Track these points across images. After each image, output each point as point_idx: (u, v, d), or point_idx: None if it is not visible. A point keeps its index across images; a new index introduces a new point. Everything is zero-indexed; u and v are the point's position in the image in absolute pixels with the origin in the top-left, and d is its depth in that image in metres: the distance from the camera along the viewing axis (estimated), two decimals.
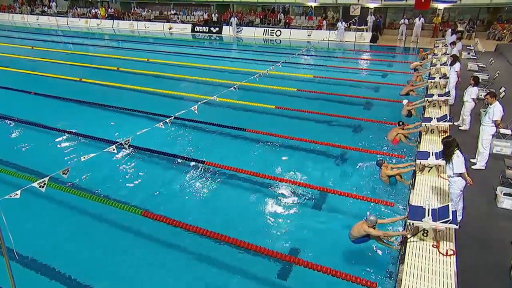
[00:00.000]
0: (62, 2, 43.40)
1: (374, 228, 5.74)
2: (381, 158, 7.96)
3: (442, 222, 5.40)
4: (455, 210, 5.73)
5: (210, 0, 34.68)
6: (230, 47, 28.23)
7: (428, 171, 7.63)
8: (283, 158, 9.78)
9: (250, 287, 5.80)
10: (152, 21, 35.92)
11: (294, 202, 7.89)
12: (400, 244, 5.93)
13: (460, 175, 5.90)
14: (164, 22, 34.93)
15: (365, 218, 5.85)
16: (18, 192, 4.93)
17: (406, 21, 25.78)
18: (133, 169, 9.30)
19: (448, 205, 5.69)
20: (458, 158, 5.85)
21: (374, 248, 6.34)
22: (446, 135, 6.26)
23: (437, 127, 9.42)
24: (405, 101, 11.39)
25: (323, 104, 13.70)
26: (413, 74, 14.66)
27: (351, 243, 6.10)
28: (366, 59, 22.75)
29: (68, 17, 39.41)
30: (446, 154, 5.99)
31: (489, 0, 25.08)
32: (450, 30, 21.56)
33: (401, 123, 9.67)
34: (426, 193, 7.05)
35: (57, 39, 30.10)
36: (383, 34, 28.95)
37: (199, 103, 9.03)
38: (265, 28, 30.81)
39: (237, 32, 30.81)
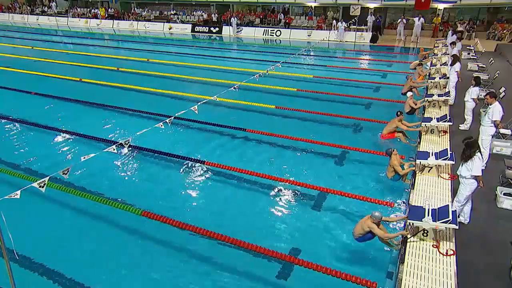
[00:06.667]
0: (62, 2, 43.40)
1: (378, 226, 5.72)
2: (391, 147, 7.87)
3: (442, 222, 5.40)
4: (455, 210, 5.73)
5: (210, 0, 34.67)
6: (230, 47, 28.22)
7: (428, 171, 7.63)
8: (283, 158, 9.78)
9: (251, 287, 5.80)
10: (152, 21, 35.92)
11: (294, 202, 7.88)
12: (400, 244, 5.93)
13: (475, 177, 5.89)
14: (164, 22, 34.93)
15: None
16: (18, 192, 4.93)
17: (404, 20, 25.72)
18: (133, 169, 9.30)
19: (448, 205, 5.70)
20: (479, 160, 5.83)
21: (374, 248, 6.34)
22: (468, 136, 6.25)
23: (437, 127, 9.43)
24: (409, 93, 11.35)
25: (323, 104, 13.70)
26: (414, 74, 14.64)
27: (351, 243, 6.10)
28: (366, 59, 22.75)
29: (68, 17, 39.41)
30: (466, 155, 5.92)
31: (489, 0, 25.08)
32: (451, 30, 21.57)
33: (399, 113, 9.62)
34: (426, 193, 7.05)
35: (57, 39, 30.10)
36: (383, 34, 28.93)
37: (199, 103, 9.04)
38: (265, 28, 30.80)
39: (237, 32, 30.81)
